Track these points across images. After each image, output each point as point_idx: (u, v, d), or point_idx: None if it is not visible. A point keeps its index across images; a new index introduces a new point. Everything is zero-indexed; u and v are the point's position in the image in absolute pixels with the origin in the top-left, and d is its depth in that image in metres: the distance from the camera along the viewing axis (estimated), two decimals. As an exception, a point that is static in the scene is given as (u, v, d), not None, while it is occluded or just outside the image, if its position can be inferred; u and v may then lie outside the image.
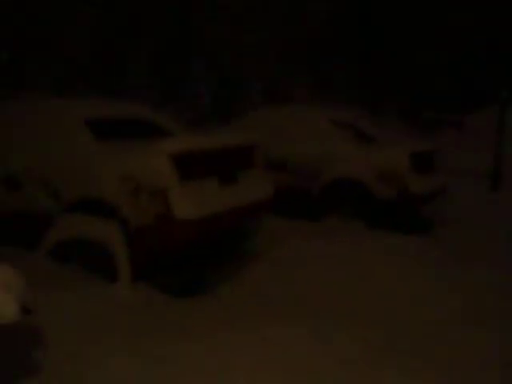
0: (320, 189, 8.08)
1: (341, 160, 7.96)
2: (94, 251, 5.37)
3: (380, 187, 7.64)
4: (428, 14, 18.06)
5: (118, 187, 5.17)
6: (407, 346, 4.27)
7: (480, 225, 8.35)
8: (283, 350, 4.04)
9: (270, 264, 5.97)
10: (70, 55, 13.17)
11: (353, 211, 7.92)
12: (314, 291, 5.34)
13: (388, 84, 17.33)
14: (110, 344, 4.04)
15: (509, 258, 6.71)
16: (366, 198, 7.76)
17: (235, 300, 5.11)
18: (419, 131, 13.45)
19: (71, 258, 5.47)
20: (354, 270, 5.76)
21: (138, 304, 4.85)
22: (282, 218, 7.60)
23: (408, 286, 5.44)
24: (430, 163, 8.48)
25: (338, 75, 16.72)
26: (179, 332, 4.36)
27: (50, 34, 12.82)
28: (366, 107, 15.26)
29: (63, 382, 3.53)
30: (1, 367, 3.04)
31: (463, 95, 18.83)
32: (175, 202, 4.89)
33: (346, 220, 7.85)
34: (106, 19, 13.55)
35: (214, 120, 13.27)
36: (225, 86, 14.61)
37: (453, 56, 18.31)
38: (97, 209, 5.35)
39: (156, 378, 3.64)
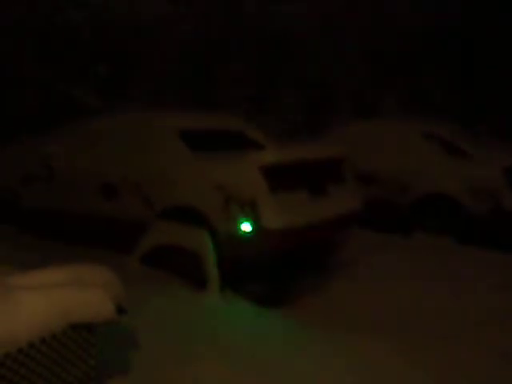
0: (410, 203, 7.96)
1: (433, 174, 7.81)
2: (184, 258, 5.54)
3: (473, 203, 7.43)
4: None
5: (210, 197, 5.31)
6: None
7: None
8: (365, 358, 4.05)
9: (352, 279, 5.94)
10: (166, 68, 13.61)
11: (443, 226, 7.74)
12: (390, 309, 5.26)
13: (482, 97, 16.81)
14: (197, 348, 4.16)
15: None
16: (457, 214, 7.57)
17: (316, 313, 5.12)
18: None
19: (163, 264, 5.66)
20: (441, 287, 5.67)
21: (224, 310, 4.96)
22: (371, 231, 7.53)
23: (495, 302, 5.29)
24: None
25: (431, 87, 16.37)
26: (260, 340, 4.43)
27: (148, 46, 13.30)
28: (459, 121, 14.86)
29: (153, 382, 3.67)
30: (95, 366, 3.20)
31: None
32: (264, 213, 4.97)
33: (436, 235, 7.68)
34: (198, 32, 13.92)
35: (304, 133, 13.32)
36: (314, 99, 14.65)
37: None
38: (188, 217, 5.52)
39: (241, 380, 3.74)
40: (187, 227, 5.51)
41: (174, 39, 13.83)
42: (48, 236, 6.91)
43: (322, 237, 6.02)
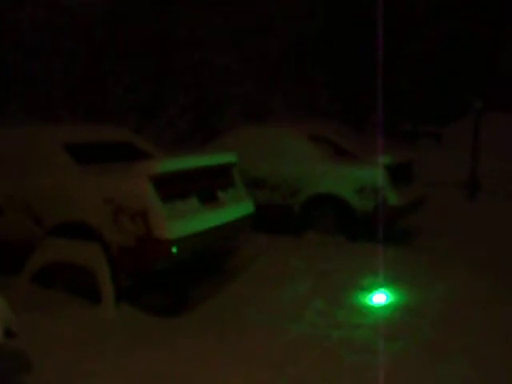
0: (300, 204, 8.17)
1: (320, 176, 8.05)
2: (77, 274, 5.42)
3: (359, 201, 7.74)
4: (402, 27, 18.39)
5: (99, 210, 5.23)
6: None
7: (455, 233, 8.55)
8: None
9: (248, 281, 6.05)
10: (47, 80, 13.19)
11: (333, 225, 8.00)
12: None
13: (365, 97, 17.58)
14: (93, 364, 4.11)
15: (478, 262, 6.92)
16: (345, 212, 7.85)
17: (214, 318, 5.18)
18: (397, 143, 13.64)
19: (55, 282, 5.52)
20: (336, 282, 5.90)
21: (121, 324, 4.91)
22: (263, 234, 7.68)
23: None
24: (408, 174, 8.61)
25: (317, 90, 16.88)
26: (161, 350, 4.43)
27: (24, 58, 12.83)
28: (345, 121, 15.46)
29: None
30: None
31: (440, 106, 19.10)
32: (155, 224, 4.96)
33: (327, 234, 7.93)
34: (84, 45, 13.62)
35: (193, 141, 13.38)
36: (202, 107, 14.71)
37: (427, 68, 18.64)
38: (79, 232, 5.40)
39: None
40: (78, 242, 5.40)
41: (60, 50, 13.45)
42: None
43: (215, 243, 6.09)
